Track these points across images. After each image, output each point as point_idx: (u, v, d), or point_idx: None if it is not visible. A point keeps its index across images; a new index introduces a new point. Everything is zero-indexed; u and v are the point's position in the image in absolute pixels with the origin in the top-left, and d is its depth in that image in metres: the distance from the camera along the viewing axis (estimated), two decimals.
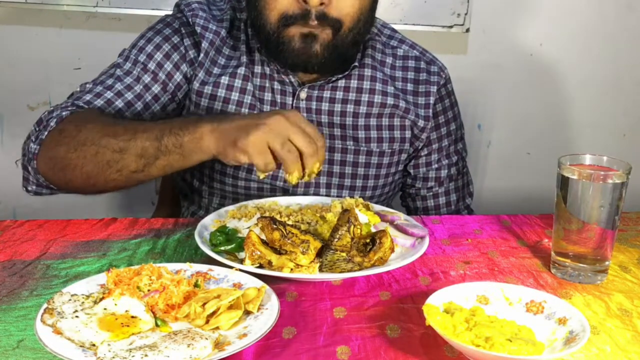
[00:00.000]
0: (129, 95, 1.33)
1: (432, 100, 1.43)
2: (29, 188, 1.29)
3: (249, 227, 1.13)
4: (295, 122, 1.07)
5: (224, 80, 1.36)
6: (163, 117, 1.36)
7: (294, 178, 1.08)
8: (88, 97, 1.31)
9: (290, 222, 1.13)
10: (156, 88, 1.35)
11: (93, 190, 1.24)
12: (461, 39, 2.14)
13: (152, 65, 1.35)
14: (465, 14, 2.04)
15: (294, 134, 1.06)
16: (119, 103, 1.32)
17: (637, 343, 0.91)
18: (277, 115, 1.08)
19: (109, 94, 1.32)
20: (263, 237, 1.06)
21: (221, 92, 1.36)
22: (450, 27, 2.05)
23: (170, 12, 1.44)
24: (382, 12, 1.96)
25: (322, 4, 1.21)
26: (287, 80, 1.37)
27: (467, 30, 2.07)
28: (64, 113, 1.26)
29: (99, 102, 1.31)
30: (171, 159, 1.14)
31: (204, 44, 1.36)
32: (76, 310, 0.88)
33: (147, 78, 1.34)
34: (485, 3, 2.09)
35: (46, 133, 1.24)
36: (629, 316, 0.98)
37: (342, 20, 1.25)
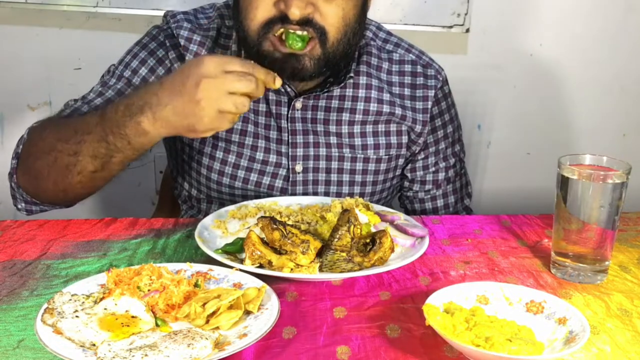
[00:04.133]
0: None
1: (429, 104, 1.42)
2: (19, 206, 1.31)
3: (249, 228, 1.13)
4: (220, 73, 1.05)
5: None
6: None
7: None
8: (67, 112, 1.31)
9: (290, 222, 1.13)
10: None
11: (66, 198, 1.25)
12: (461, 39, 2.14)
13: (136, 80, 1.35)
14: (465, 14, 2.04)
15: (231, 84, 1.05)
16: None
17: (637, 343, 0.91)
18: (201, 82, 1.05)
19: (85, 108, 1.31)
20: (263, 237, 1.07)
21: None
22: (450, 27, 2.05)
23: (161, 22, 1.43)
24: (382, 13, 1.97)
25: (305, 15, 1.17)
26: (283, 90, 1.34)
27: (467, 30, 2.06)
28: (34, 125, 1.28)
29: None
30: (126, 155, 1.16)
31: (188, 57, 1.34)
32: (76, 310, 0.88)
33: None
34: (485, 3, 2.09)
35: (21, 146, 1.27)
36: (629, 316, 0.98)
37: (326, 30, 1.21)
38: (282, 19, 1.19)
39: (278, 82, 1.11)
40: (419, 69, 1.44)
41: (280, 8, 1.18)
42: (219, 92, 1.05)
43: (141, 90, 1.14)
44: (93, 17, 2.02)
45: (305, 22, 1.19)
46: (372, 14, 1.36)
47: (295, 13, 1.16)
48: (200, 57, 1.09)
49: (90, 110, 1.27)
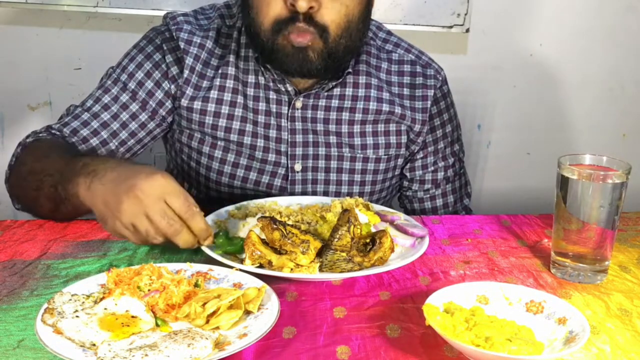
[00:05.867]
0: (105, 116, 1.35)
1: (428, 104, 1.42)
2: (16, 206, 1.33)
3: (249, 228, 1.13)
4: (156, 198, 1.03)
5: (213, 94, 1.35)
6: (143, 136, 1.37)
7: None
8: (65, 119, 1.34)
9: (290, 222, 1.13)
10: (134, 107, 1.35)
11: (54, 219, 1.25)
12: (461, 39, 2.14)
13: (132, 85, 1.36)
14: (465, 14, 2.04)
15: (153, 213, 1.02)
16: (95, 124, 1.34)
17: (637, 343, 0.91)
18: (133, 190, 1.02)
19: (85, 115, 1.34)
20: (263, 237, 1.07)
21: (211, 107, 1.36)
22: (450, 27, 2.05)
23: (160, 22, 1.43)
24: (382, 12, 1.97)
25: (311, 7, 1.19)
26: (283, 89, 1.35)
27: (467, 30, 2.06)
28: (28, 140, 1.31)
29: (75, 124, 1.33)
30: (70, 208, 1.16)
31: (188, 60, 1.34)
32: (76, 310, 0.88)
33: (125, 97, 1.35)
34: (485, 3, 2.09)
35: (14, 159, 1.31)
36: (628, 316, 0.98)
37: (327, 27, 1.22)
38: (292, 18, 1.21)
39: (207, 242, 1.07)
40: (419, 69, 1.44)
41: (289, 4, 1.20)
42: (140, 211, 1.03)
43: (108, 158, 1.20)
44: (93, 17, 2.02)
45: (309, 20, 1.21)
46: (372, 14, 1.37)
47: (302, 6, 1.18)
48: (156, 171, 1.06)
49: (68, 148, 1.29)
